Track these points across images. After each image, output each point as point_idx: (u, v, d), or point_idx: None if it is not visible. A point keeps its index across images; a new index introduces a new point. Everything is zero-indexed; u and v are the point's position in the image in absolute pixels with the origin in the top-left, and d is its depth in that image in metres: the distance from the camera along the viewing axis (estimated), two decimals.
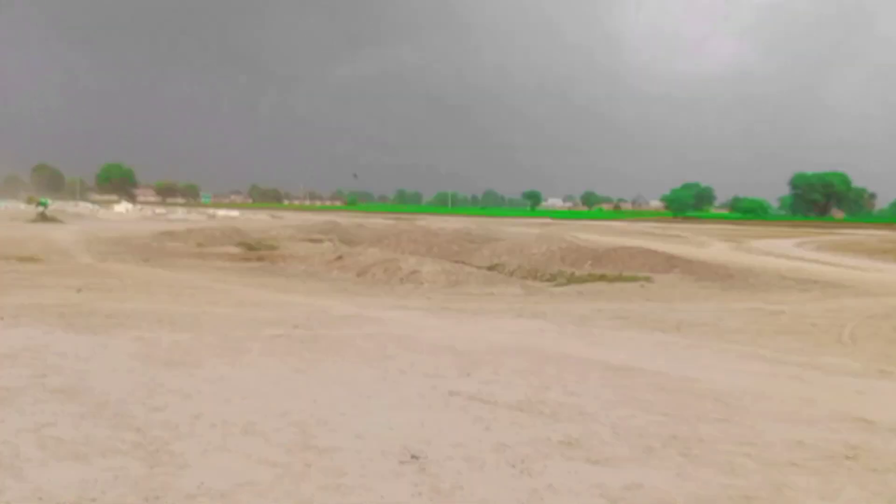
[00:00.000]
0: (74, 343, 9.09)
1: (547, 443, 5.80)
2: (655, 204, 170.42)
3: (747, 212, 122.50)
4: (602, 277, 19.06)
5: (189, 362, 8.25)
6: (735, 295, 16.46)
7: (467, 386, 7.57)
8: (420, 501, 4.64)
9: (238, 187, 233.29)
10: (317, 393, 7.12)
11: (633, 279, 18.47)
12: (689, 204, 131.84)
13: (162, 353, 8.66)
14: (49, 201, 60.63)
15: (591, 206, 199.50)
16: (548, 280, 19.16)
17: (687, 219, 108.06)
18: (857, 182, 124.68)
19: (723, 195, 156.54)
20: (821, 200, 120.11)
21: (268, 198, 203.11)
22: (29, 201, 60.40)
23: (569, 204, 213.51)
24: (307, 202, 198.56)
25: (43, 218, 45.50)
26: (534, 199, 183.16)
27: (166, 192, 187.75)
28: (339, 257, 21.23)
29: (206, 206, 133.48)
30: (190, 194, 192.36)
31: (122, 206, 73.03)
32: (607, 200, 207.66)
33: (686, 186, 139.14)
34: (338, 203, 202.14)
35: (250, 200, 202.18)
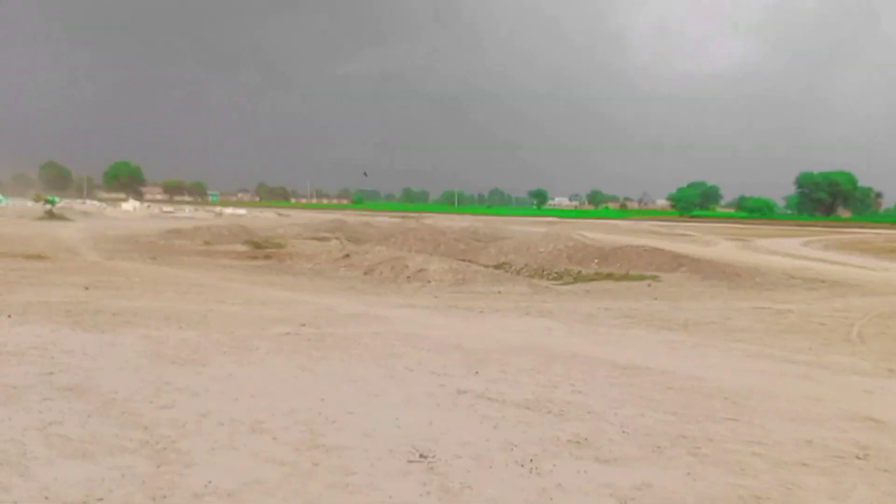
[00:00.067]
0: (81, 341, 9.09)
1: (555, 442, 5.78)
2: (661, 203, 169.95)
3: (753, 211, 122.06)
4: (609, 276, 19.03)
5: (196, 360, 8.25)
6: (742, 294, 16.40)
7: (475, 384, 7.55)
8: (428, 501, 4.62)
9: (245, 185, 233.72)
10: (324, 391, 7.11)
11: (640, 278, 18.43)
12: (695, 203, 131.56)
13: (169, 351, 8.67)
14: (57, 199, 60.85)
15: (597, 204, 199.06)
16: (554, 279, 19.13)
17: (693, 218, 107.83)
18: (864, 182, 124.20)
19: (728, 195, 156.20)
20: (827, 199, 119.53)
21: (275, 196, 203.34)
22: (36, 199, 60.51)
23: (575, 203, 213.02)
24: (314, 200, 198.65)
25: (50, 215, 45.71)
26: (540, 197, 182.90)
27: (174, 191, 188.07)
28: (346, 255, 21.23)
29: (213, 204, 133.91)
30: (197, 192, 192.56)
31: (130, 204, 73.10)
32: (613, 199, 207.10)
33: (692, 185, 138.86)
34: (344, 201, 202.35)
35: (257, 199, 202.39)
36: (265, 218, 62.96)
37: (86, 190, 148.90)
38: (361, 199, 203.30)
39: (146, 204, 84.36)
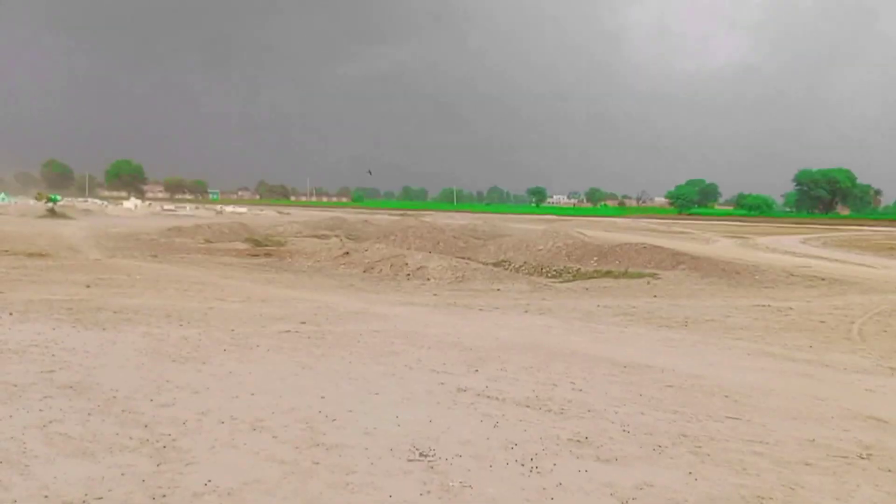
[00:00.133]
0: (83, 338, 9.08)
1: (556, 440, 5.77)
2: (660, 200, 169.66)
3: (752, 208, 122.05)
4: (608, 274, 19.03)
5: (197, 358, 8.24)
6: (741, 291, 16.40)
7: (475, 382, 7.54)
8: (429, 500, 4.61)
9: (245, 184, 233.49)
10: (324, 389, 7.10)
11: (639, 276, 18.42)
12: (693, 200, 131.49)
13: (170, 349, 8.65)
14: (59, 198, 60.88)
15: (595, 202, 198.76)
16: (554, 276, 19.12)
17: (691, 215, 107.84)
18: (863, 179, 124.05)
19: (727, 192, 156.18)
20: (826, 197, 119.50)
21: (275, 194, 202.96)
22: (38, 198, 60.52)
23: (573, 201, 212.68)
24: (313, 199, 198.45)
25: (52, 213, 45.78)
26: (538, 195, 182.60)
27: (175, 189, 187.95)
28: (346, 253, 21.22)
29: (214, 202, 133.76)
30: (198, 191, 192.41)
31: (131, 203, 72.93)
32: (612, 197, 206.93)
33: (690, 183, 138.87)
34: (344, 199, 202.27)
35: (257, 197, 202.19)
36: (265, 216, 62.96)
37: (87, 188, 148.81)
38: (361, 198, 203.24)
39: (147, 202, 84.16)
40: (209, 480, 4.76)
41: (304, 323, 10.83)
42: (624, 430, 6.08)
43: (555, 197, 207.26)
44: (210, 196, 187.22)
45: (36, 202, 57.81)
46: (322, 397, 6.80)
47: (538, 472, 5.09)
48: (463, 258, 21.33)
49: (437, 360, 8.56)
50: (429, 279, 17.15)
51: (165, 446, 5.36)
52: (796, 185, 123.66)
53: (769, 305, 14.15)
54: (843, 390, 7.79)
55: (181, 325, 10.29)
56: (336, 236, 33.20)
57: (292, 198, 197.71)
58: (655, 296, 15.38)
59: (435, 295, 14.88)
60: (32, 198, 64.62)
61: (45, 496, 4.47)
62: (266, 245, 27.12)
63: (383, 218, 54.31)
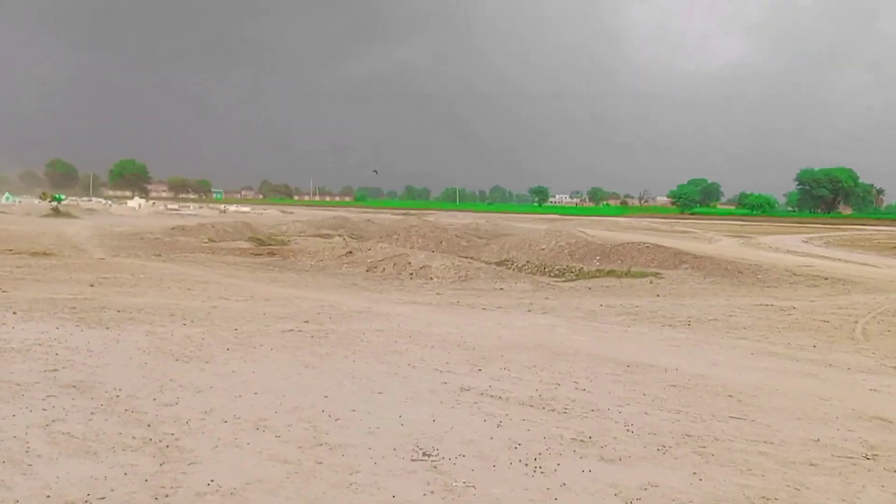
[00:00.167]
0: (86, 337, 9.09)
1: (560, 440, 5.75)
2: (662, 200, 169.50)
3: (754, 208, 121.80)
4: (611, 273, 18.99)
5: (200, 357, 8.24)
6: (744, 291, 16.36)
7: (478, 381, 7.53)
8: (432, 500, 4.59)
9: (249, 183, 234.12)
10: (328, 388, 7.09)
11: (642, 275, 18.38)
12: (695, 200, 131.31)
13: (173, 348, 8.65)
14: (63, 197, 61.07)
15: (597, 202, 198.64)
16: (556, 276, 19.09)
17: (694, 215, 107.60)
18: (865, 178, 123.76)
19: (729, 192, 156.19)
20: (828, 196, 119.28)
21: (278, 194, 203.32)
22: (42, 197, 60.73)
23: (575, 200, 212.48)
24: (316, 198, 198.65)
25: (56, 213, 45.93)
26: (541, 195, 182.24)
27: (179, 188, 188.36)
28: (349, 252, 21.21)
29: (217, 201, 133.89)
30: (202, 190, 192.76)
31: (135, 202, 73.04)
32: (614, 196, 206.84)
33: (692, 182, 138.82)
34: (347, 199, 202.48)
35: (261, 196, 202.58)
36: (269, 215, 63.01)
37: (92, 187, 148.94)
38: (364, 197, 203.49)
39: (151, 201, 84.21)
40: (212, 480, 4.75)
41: (307, 322, 10.82)
42: (628, 430, 6.06)
43: (557, 196, 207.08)
44: (214, 195, 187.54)
45: (40, 201, 58.04)
46: (325, 396, 6.79)
47: (542, 472, 5.07)
48: (466, 257, 21.32)
49: (441, 360, 8.54)
50: (432, 278, 17.14)
51: (168, 446, 5.35)
52: (798, 185, 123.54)
53: (772, 305, 14.11)
54: (848, 390, 7.77)
55: (184, 324, 10.29)
56: (339, 235, 33.25)
57: (295, 197, 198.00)
58: (658, 295, 15.35)
59: (438, 294, 14.86)
60: (37, 197, 64.90)
61: (48, 496, 4.46)
62: (269, 244, 27.15)
63: (386, 217, 54.35)
